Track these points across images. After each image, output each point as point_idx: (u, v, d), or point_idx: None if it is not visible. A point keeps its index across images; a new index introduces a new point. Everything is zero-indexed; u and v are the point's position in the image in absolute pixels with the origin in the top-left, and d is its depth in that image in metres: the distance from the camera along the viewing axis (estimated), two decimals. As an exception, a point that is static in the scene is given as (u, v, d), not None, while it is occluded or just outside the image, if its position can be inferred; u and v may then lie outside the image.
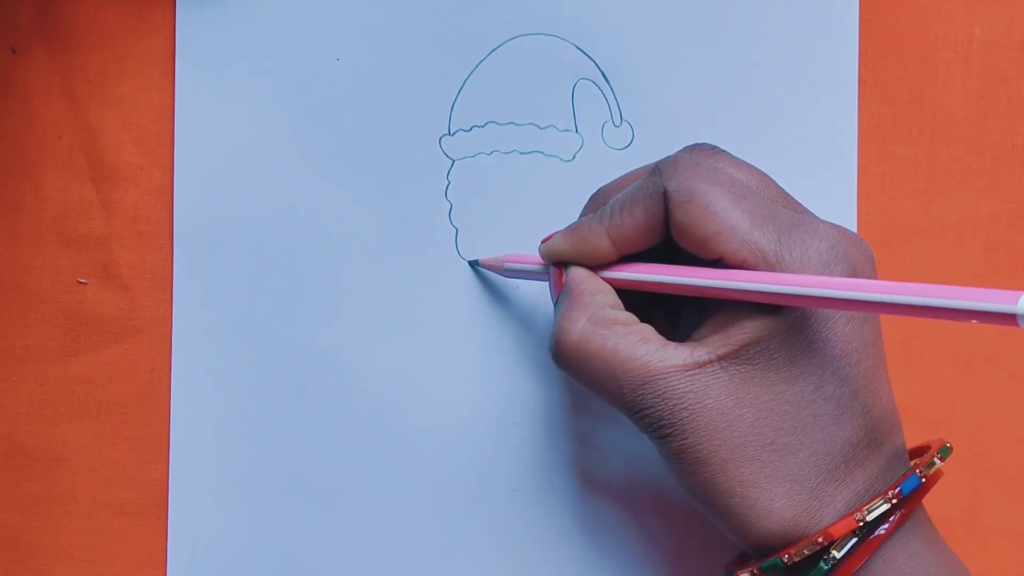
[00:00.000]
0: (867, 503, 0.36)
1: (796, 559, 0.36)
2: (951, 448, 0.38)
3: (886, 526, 0.36)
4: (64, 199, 0.44)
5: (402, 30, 0.44)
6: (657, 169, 0.38)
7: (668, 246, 0.38)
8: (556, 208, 0.44)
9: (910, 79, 0.45)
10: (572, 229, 0.40)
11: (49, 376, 0.44)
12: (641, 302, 0.39)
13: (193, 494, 0.44)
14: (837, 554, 0.35)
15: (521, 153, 0.44)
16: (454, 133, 0.44)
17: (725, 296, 0.36)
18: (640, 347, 0.37)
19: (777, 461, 0.36)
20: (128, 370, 0.44)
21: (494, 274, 0.44)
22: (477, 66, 0.44)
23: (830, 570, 0.36)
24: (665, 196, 0.37)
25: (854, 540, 0.36)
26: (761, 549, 0.37)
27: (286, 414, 0.44)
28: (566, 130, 0.44)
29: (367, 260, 0.44)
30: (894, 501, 0.36)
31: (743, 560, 0.40)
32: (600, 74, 0.44)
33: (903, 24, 0.45)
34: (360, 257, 0.44)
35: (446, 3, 0.44)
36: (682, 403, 0.36)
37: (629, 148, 0.44)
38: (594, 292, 0.38)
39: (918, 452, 0.39)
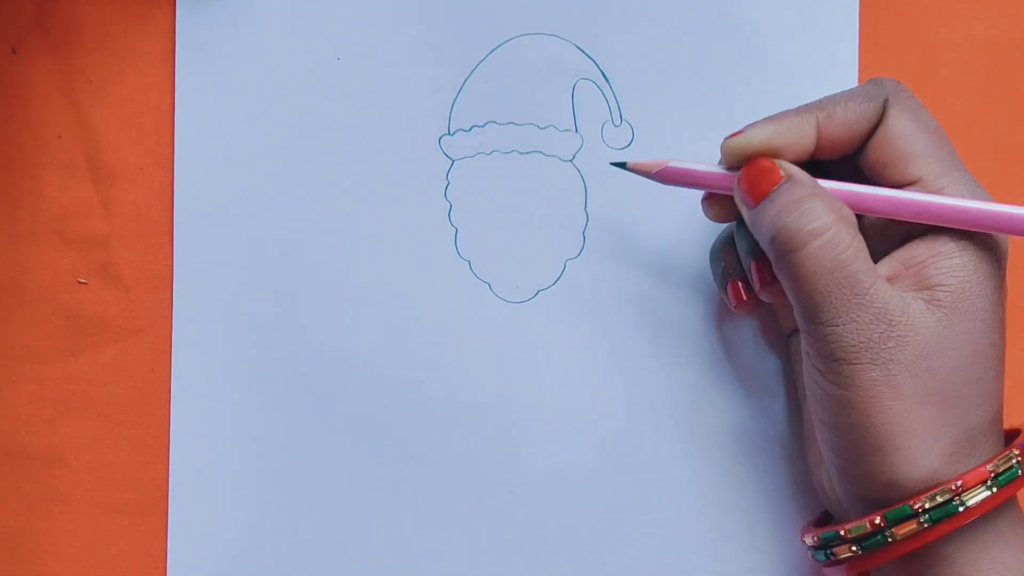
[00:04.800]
0: (996, 457, 0.36)
1: (928, 505, 0.35)
2: None
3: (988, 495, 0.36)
4: (64, 199, 0.44)
5: (402, 30, 0.44)
6: (879, 81, 0.38)
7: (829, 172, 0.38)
8: (556, 208, 0.44)
9: (910, 79, 0.45)
10: (774, 119, 0.38)
11: (49, 376, 0.44)
12: None
13: (193, 494, 0.44)
14: (969, 500, 0.35)
15: (521, 153, 0.44)
16: (454, 133, 0.44)
17: (951, 224, 0.37)
18: (870, 262, 0.36)
19: (958, 409, 0.36)
20: (128, 370, 0.44)
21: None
22: (477, 66, 0.44)
23: (959, 514, 0.35)
24: (886, 104, 0.37)
25: (985, 493, 0.36)
26: (888, 498, 0.36)
27: (286, 414, 0.44)
28: (566, 130, 0.44)
29: (367, 260, 0.44)
30: (1020, 459, 0.36)
31: (824, 521, 0.40)
32: (600, 74, 0.44)
33: (903, 24, 0.45)
34: (360, 257, 0.44)
35: (446, 3, 0.44)
36: (892, 331, 0.36)
37: (629, 148, 0.44)
38: (829, 195, 0.37)
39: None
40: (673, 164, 0.40)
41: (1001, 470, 0.36)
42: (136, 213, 0.44)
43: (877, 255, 0.38)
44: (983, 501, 0.35)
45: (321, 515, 0.44)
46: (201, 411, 0.44)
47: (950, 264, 0.37)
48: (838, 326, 0.36)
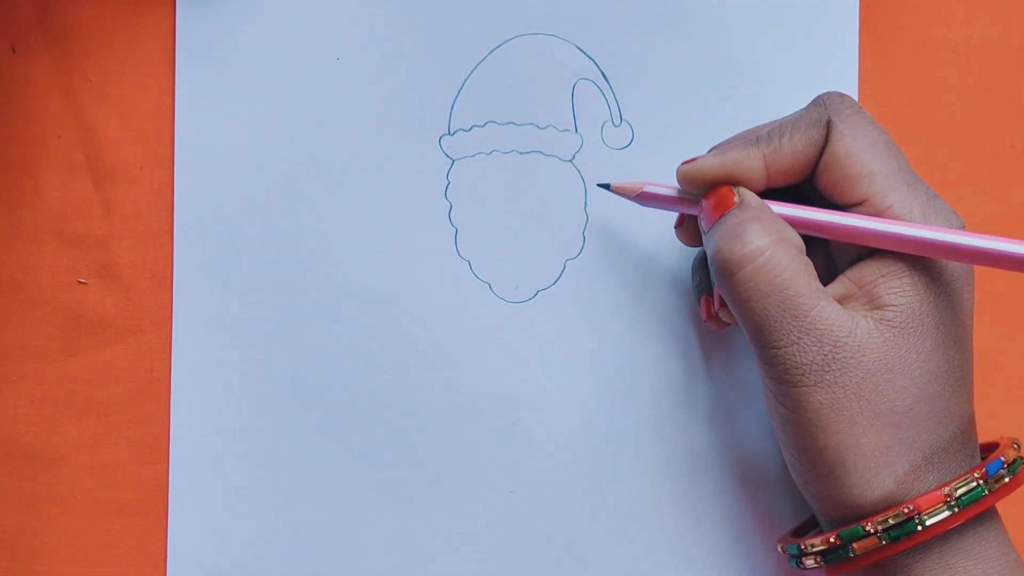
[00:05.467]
0: (955, 479, 0.36)
1: (880, 527, 0.36)
2: (1021, 442, 0.38)
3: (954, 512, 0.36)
4: (64, 199, 0.44)
5: (402, 30, 0.44)
6: (822, 101, 0.38)
7: (795, 194, 0.38)
8: (556, 208, 0.44)
9: (909, 80, 0.45)
10: (723, 149, 0.38)
11: (49, 376, 0.44)
12: None
13: (193, 494, 0.44)
14: (928, 520, 0.35)
15: (521, 153, 0.44)
16: (454, 133, 0.44)
17: (891, 247, 0.36)
18: (813, 283, 0.36)
19: (913, 429, 0.36)
20: (128, 370, 0.44)
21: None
22: (477, 66, 0.44)
23: (918, 532, 0.35)
24: (829, 126, 0.37)
25: (946, 512, 0.35)
26: (851, 516, 0.37)
27: (286, 414, 0.44)
28: (566, 130, 0.44)
29: (367, 260, 0.44)
30: (981, 481, 0.36)
31: (802, 531, 0.40)
32: (600, 74, 0.44)
33: (903, 24, 0.45)
34: (360, 257, 0.44)
35: (446, 3, 0.44)
36: (836, 353, 0.35)
37: (629, 148, 0.44)
38: (776, 216, 0.37)
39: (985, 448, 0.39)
40: (649, 188, 0.40)
41: (958, 493, 0.35)
42: (136, 213, 0.44)
43: (836, 273, 0.38)
44: (943, 520, 0.35)
45: (321, 515, 0.44)
46: (201, 411, 0.44)
47: (899, 284, 0.36)
48: (780, 349, 0.36)
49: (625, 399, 0.44)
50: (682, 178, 0.39)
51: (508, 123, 0.44)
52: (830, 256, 0.40)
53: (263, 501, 0.44)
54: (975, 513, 0.36)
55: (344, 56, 0.44)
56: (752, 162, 0.38)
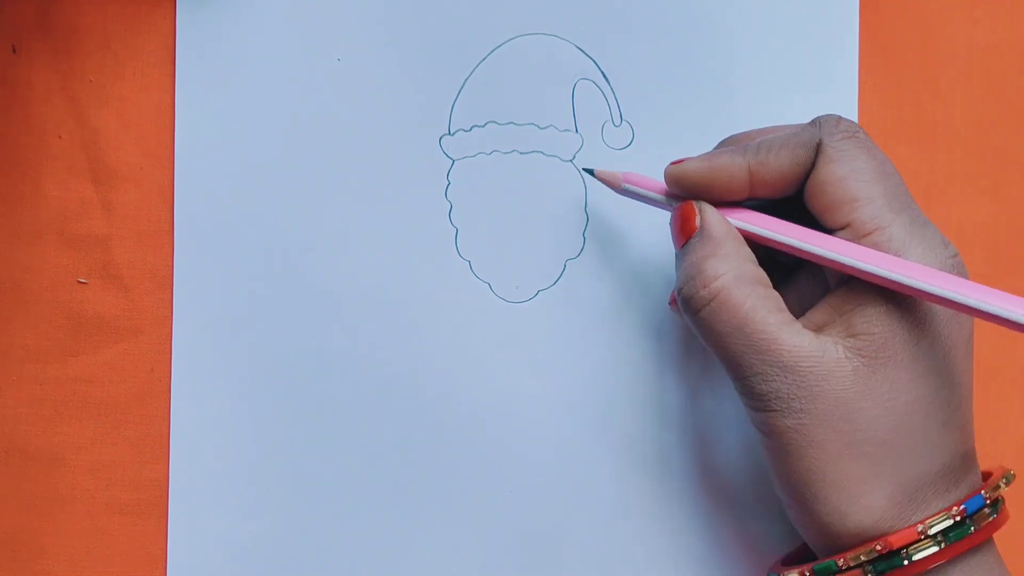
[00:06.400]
0: (934, 516, 0.35)
1: (851, 564, 0.35)
2: (1014, 475, 0.37)
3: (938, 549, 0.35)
4: (64, 199, 0.44)
5: (402, 30, 0.44)
6: (818, 122, 0.38)
7: (785, 208, 0.38)
8: (556, 208, 0.44)
9: (910, 82, 0.45)
10: (711, 156, 0.39)
11: (49, 376, 0.44)
12: (759, 257, 0.39)
13: (193, 494, 0.44)
14: (914, 556, 0.35)
15: (521, 153, 0.44)
16: (454, 133, 0.44)
17: (859, 276, 0.36)
18: (775, 315, 0.36)
19: (890, 461, 0.35)
20: (128, 370, 0.44)
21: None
22: (477, 66, 0.44)
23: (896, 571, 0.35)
24: (819, 148, 0.37)
25: (924, 553, 0.35)
26: (833, 546, 0.36)
27: (286, 414, 0.44)
28: (566, 130, 0.44)
29: (367, 260, 0.44)
30: (958, 518, 0.35)
31: (790, 561, 0.39)
32: (600, 74, 0.44)
33: (903, 26, 0.45)
34: (360, 257, 0.44)
35: (446, 3, 0.44)
36: (803, 381, 0.35)
37: (629, 148, 0.44)
38: (737, 242, 0.37)
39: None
40: (629, 181, 0.41)
41: (933, 531, 0.35)
42: (136, 213, 0.44)
43: (823, 293, 0.38)
44: (929, 557, 0.35)
45: (321, 515, 0.44)
46: (201, 411, 0.44)
47: (875, 312, 0.36)
48: (747, 379, 0.36)
49: (625, 399, 0.44)
50: (668, 179, 0.39)
51: (508, 123, 0.44)
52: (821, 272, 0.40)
53: (263, 501, 0.44)
54: (959, 552, 0.35)
55: (344, 56, 0.44)
56: (736, 171, 0.38)
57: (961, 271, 0.36)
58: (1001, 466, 0.38)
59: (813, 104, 0.44)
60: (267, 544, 0.44)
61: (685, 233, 0.38)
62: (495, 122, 0.44)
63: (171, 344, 0.44)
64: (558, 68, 0.44)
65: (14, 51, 0.44)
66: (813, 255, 0.37)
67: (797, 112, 0.44)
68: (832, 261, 0.36)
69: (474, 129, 0.44)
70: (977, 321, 0.37)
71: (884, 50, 0.45)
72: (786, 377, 0.35)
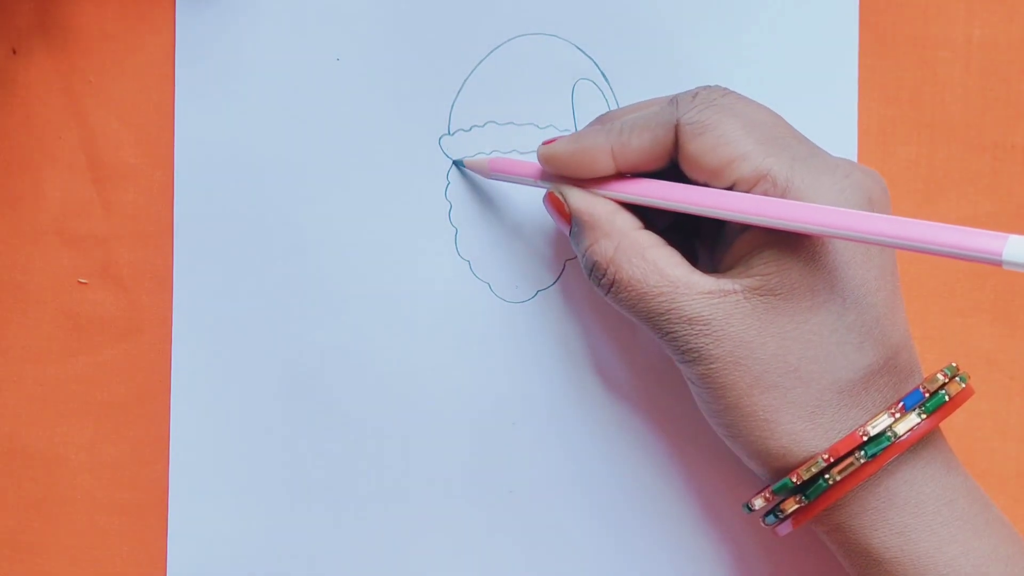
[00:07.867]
0: (870, 420, 0.37)
1: (805, 477, 0.37)
2: (957, 367, 0.38)
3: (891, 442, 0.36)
4: (64, 199, 0.44)
5: (402, 30, 0.44)
6: (675, 100, 0.39)
7: (678, 169, 0.39)
8: (556, 208, 0.44)
9: (910, 79, 0.45)
10: (576, 137, 0.40)
11: (49, 376, 0.44)
12: (662, 222, 0.40)
13: (193, 494, 0.44)
14: (837, 474, 0.36)
15: (521, 153, 0.44)
16: (454, 133, 0.44)
17: (741, 222, 0.37)
18: (667, 272, 0.38)
19: (799, 388, 0.37)
20: (128, 370, 0.44)
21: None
22: (477, 66, 0.44)
23: (831, 487, 0.37)
24: (677, 128, 0.38)
25: (864, 459, 0.36)
26: (780, 474, 0.38)
27: (286, 414, 0.44)
28: (566, 130, 0.44)
29: (367, 260, 0.44)
30: (896, 416, 0.37)
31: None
32: (600, 74, 0.44)
33: (903, 24, 0.45)
34: (360, 257, 0.44)
35: (446, 3, 0.44)
36: (707, 329, 0.37)
37: (629, 148, 0.44)
38: (611, 217, 0.39)
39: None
40: (495, 165, 0.42)
41: (874, 431, 0.36)
42: (136, 213, 0.44)
43: (735, 237, 0.39)
44: (884, 451, 0.36)
45: (321, 515, 0.44)
46: (201, 411, 0.44)
47: (770, 253, 0.37)
48: (664, 340, 0.38)
49: (625, 399, 0.44)
50: (540, 160, 0.41)
51: (508, 123, 0.44)
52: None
53: (263, 501, 0.44)
54: (912, 440, 0.36)
55: (344, 56, 0.44)
56: (599, 154, 0.39)
57: (859, 190, 0.37)
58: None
59: (813, 104, 0.44)
60: (267, 544, 0.44)
61: (565, 219, 0.40)
62: (495, 122, 0.44)
63: (171, 344, 0.44)
64: (558, 68, 0.44)
65: (14, 52, 0.44)
66: (698, 213, 0.38)
67: (797, 112, 0.44)
68: (714, 215, 0.37)
69: (474, 129, 0.44)
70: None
71: (884, 50, 0.45)
72: (692, 328, 0.37)
